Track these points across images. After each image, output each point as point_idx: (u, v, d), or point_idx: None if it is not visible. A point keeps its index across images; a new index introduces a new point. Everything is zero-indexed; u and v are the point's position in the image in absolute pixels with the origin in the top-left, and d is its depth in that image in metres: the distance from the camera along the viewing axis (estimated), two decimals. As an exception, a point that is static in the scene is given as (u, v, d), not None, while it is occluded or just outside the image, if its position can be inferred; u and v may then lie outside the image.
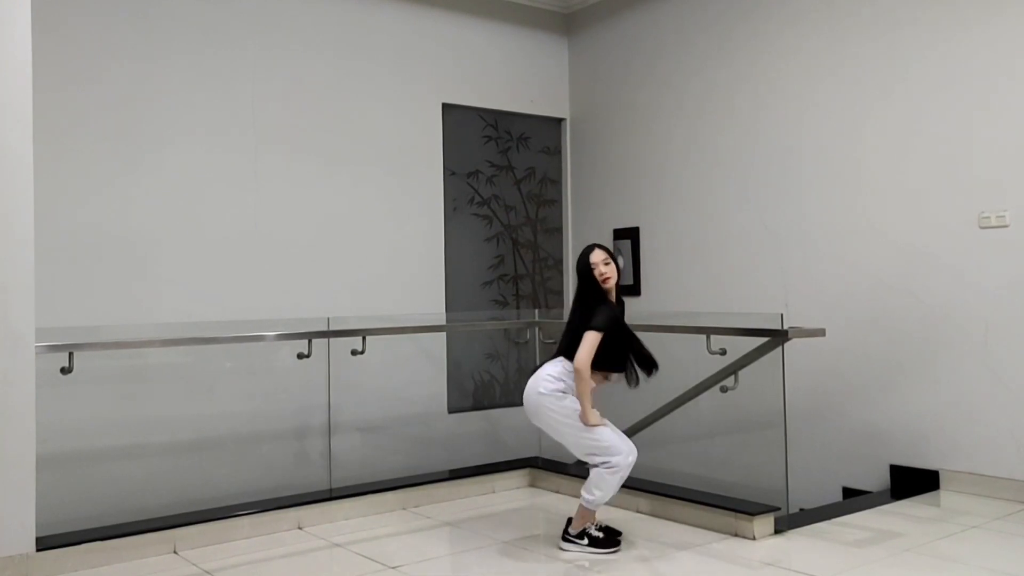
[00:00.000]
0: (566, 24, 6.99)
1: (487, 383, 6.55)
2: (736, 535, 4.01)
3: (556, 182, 7.00)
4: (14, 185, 3.52)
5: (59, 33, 4.79)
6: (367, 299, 5.80)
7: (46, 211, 4.16)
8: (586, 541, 3.84)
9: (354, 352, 4.92)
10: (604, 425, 3.82)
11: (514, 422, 6.22)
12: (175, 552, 3.93)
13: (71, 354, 3.98)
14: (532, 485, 5.20)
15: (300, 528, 4.32)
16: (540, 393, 3.81)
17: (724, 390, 4.37)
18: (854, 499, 4.92)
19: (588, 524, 3.88)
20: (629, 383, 3.97)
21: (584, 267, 3.86)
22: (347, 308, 5.55)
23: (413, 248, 6.13)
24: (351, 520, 4.46)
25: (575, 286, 3.99)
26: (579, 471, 5.18)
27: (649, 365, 3.97)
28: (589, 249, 3.90)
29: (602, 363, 3.80)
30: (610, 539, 3.86)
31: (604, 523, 3.95)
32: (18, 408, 3.50)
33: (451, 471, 5.26)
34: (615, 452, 3.75)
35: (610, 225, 6.64)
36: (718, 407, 4.91)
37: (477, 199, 6.57)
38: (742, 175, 5.76)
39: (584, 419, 3.74)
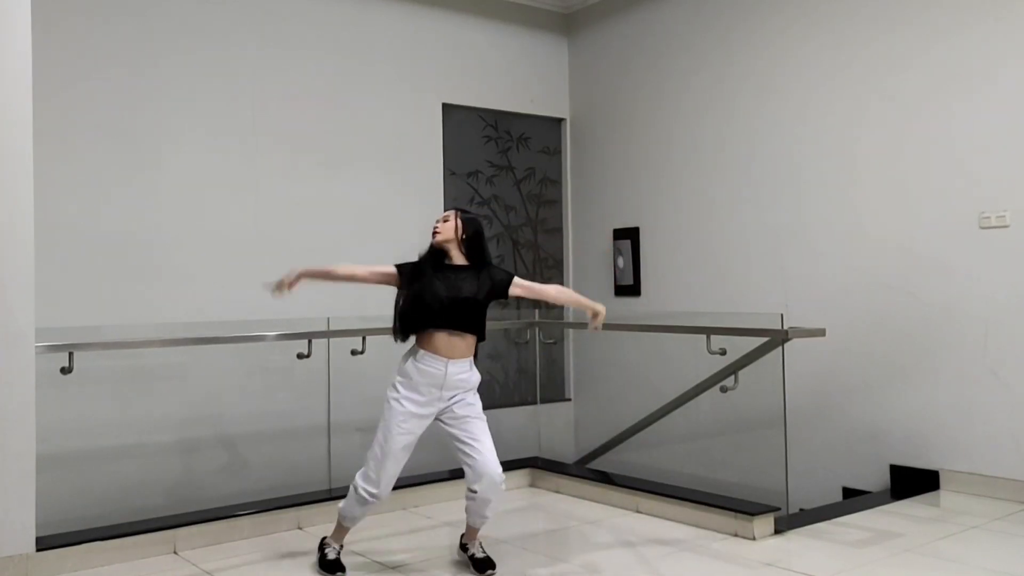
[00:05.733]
0: (566, 24, 6.99)
1: (487, 383, 6.52)
2: (736, 535, 4.01)
3: (556, 182, 7.00)
4: (14, 185, 3.52)
5: (59, 33, 4.78)
6: (367, 299, 5.78)
7: (46, 211, 4.16)
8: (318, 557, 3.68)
9: (354, 352, 4.92)
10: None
11: (514, 422, 6.22)
12: (175, 552, 3.93)
13: (71, 354, 3.98)
14: (532, 485, 5.20)
15: (300, 528, 4.32)
16: None
17: (724, 390, 4.37)
18: (854, 499, 4.92)
19: (330, 542, 3.67)
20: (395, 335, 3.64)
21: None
22: (347, 308, 5.55)
23: (413, 248, 6.10)
24: (351, 520, 4.46)
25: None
26: (580, 471, 5.20)
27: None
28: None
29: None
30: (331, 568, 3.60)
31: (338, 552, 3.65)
32: (18, 408, 3.50)
33: (451, 471, 5.24)
34: (368, 462, 3.50)
35: (610, 225, 6.64)
36: (718, 407, 4.92)
37: (477, 199, 6.57)
38: (742, 175, 5.76)
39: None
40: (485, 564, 3.59)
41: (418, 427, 3.56)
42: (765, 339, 4.23)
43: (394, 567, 3.72)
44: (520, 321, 6.12)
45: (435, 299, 3.52)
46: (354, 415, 5.55)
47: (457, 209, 3.77)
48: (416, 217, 6.15)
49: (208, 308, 5.14)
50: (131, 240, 5.01)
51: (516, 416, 6.24)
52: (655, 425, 5.08)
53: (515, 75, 6.69)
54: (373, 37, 5.99)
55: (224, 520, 4.14)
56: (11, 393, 3.49)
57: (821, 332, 4.33)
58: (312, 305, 5.44)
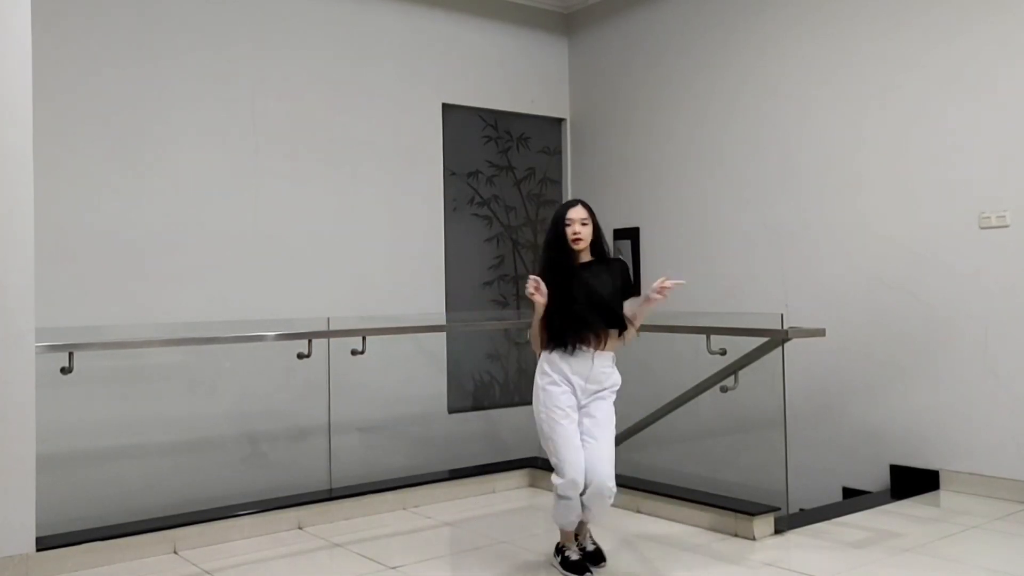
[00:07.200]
0: (566, 24, 6.99)
1: (487, 383, 6.54)
2: (736, 535, 4.01)
3: (556, 182, 7.00)
4: (14, 185, 3.52)
5: (59, 33, 4.78)
6: (367, 299, 5.80)
7: (46, 211, 4.16)
8: (558, 559, 3.63)
9: (354, 352, 4.92)
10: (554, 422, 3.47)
11: (514, 422, 6.23)
12: (175, 552, 3.93)
13: (71, 354, 3.97)
14: (532, 485, 5.20)
15: (300, 528, 4.32)
16: None
17: (724, 390, 4.37)
18: (854, 499, 4.92)
19: (563, 543, 3.64)
20: (564, 347, 3.51)
21: (558, 219, 3.56)
22: (347, 308, 5.55)
23: (413, 248, 6.13)
24: (351, 520, 4.46)
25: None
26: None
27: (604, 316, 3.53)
28: (573, 203, 3.61)
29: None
30: (578, 567, 3.55)
31: (587, 546, 3.65)
32: (18, 408, 3.50)
33: (451, 471, 5.26)
34: (557, 468, 3.47)
35: (610, 225, 6.63)
36: (718, 407, 4.91)
37: (477, 199, 6.57)
38: (742, 175, 5.76)
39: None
40: (596, 557, 3.61)
41: (573, 404, 3.51)
42: (765, 339, 4.23)
43: (394, 567, 3.72)
44: (520, 321, 6.12)
45: (574, 303, 3.50)
46: (354, 415, 5.56)
47: (584, 204, 3.59)
48: (416, 217, 6.17)
49: (208, 308, 5.14)
50: (131, 240, 5.01)
51: (516, 416, 6.24)
52: (655, 425, 5.06)
53: (515, 75, 6.69)
54: (373, 37, 5.99)
55: (224, 520, 4.14)
56: (11, 393, 3.49)
57: (821, 332, 4.33)
58: (312, 305, 5.46)
